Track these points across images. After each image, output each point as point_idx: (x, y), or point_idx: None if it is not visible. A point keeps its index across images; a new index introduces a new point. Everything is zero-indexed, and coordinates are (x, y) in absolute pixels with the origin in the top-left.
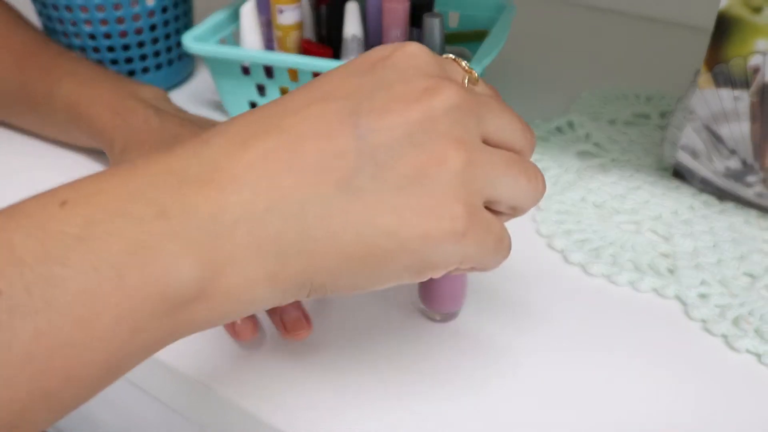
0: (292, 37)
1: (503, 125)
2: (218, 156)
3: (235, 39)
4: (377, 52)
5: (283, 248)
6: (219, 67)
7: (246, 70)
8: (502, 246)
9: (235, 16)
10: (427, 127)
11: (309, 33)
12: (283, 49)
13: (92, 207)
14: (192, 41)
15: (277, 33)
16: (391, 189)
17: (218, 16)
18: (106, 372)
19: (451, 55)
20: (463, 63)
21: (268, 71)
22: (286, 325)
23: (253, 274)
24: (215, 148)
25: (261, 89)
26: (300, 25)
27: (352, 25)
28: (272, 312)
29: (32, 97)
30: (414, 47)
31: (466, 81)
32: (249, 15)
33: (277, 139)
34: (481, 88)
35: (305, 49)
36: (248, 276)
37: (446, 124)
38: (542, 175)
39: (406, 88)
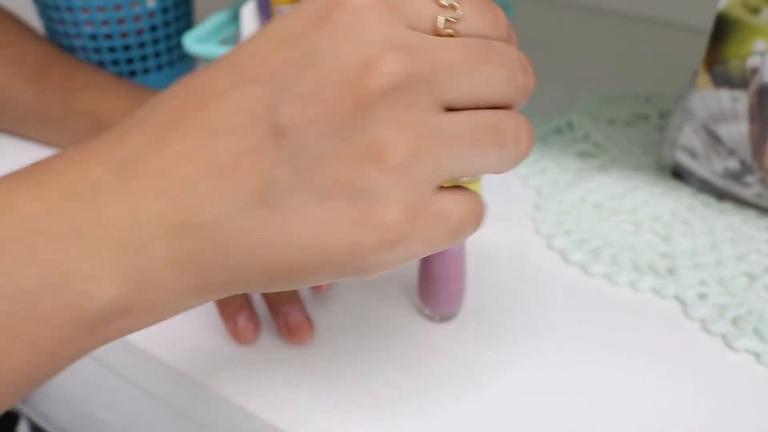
0: None
1: (476, 84)
2: (134, 159)
3: (235, 40)
4: (316, 5)
5: (203, 264)
6: None
7: None
8: (464, 227)
9: (235, 17)
10: (359, 116)
11: None
12: None
13: (7, 225)
14: (192, 42)
15: None
16: (314, 199)
17: (219, 17)
18: (23, 387)
19: None
20: None
21: None
22: (289, 327)
23: (176, 287)
24: (131, 148)
25: None
26: None
27: None
28: (275, 314)
29: (49, 109)
30: None
31: (442, 22)
32: (249, 16)
33: (193, 136)
34: (468, 23)
35: None
36: (171, 289)
37: (384, 110)
38: (526, 133)
39: (337, 65)
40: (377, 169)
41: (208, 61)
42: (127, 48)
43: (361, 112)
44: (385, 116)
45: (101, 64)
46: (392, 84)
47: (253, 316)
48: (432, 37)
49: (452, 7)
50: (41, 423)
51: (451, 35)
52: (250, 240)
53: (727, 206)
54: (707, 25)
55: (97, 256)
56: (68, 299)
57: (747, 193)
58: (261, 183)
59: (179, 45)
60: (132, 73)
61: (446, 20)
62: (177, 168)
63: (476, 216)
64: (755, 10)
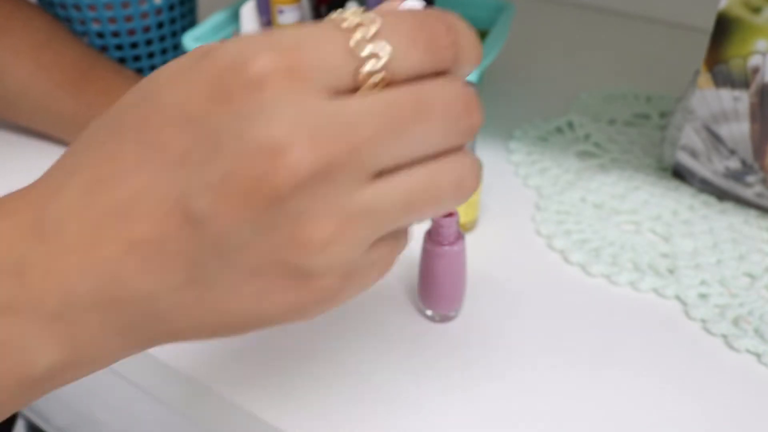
0: None
1: (408, 146)
2: (55, 231)
3: None
4: (213, 74)
5: (142, 332)
6: None
7: None
8: (388, 268)
9: (235, 17)
10: (275, 210)
11: None
12: None
13: None
14: (192, 41)
15: None
16: (245, 277)
17: (218, 17)
18: None
19: (334, 14)
20: (346, 21)
21: None
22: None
23: (117, 347)
24: (53, 220)
25: None
26: None
27: None
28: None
29: None
30: (265, 60)
31: (364, 78)
32: (249, 15)
33: (108, 215)
34: (397, 65)
35: None
36: (112, 348)
37: (302, 201)
38: (469, 178)
39: (244, 155)
40: (306, 252)
41: None
42: (134, 45)
43: (276, 206)
44: (305, 207)
45: None
46: (306, 175)
47: None
48: (351, 103)
49: (374, 56)
50: (39, 423)
51: (377, 84)
52: (188, 312)
53: (728, 206)
54: (708, 24)
55: (30, 330)
56: (8, 366)
57: (748, 192)
58: (188, 265)
59: None
60: (139, 71)
61: (367, 73)
62: (98, 248)
63: (401, 247)
64: (756, 10)
